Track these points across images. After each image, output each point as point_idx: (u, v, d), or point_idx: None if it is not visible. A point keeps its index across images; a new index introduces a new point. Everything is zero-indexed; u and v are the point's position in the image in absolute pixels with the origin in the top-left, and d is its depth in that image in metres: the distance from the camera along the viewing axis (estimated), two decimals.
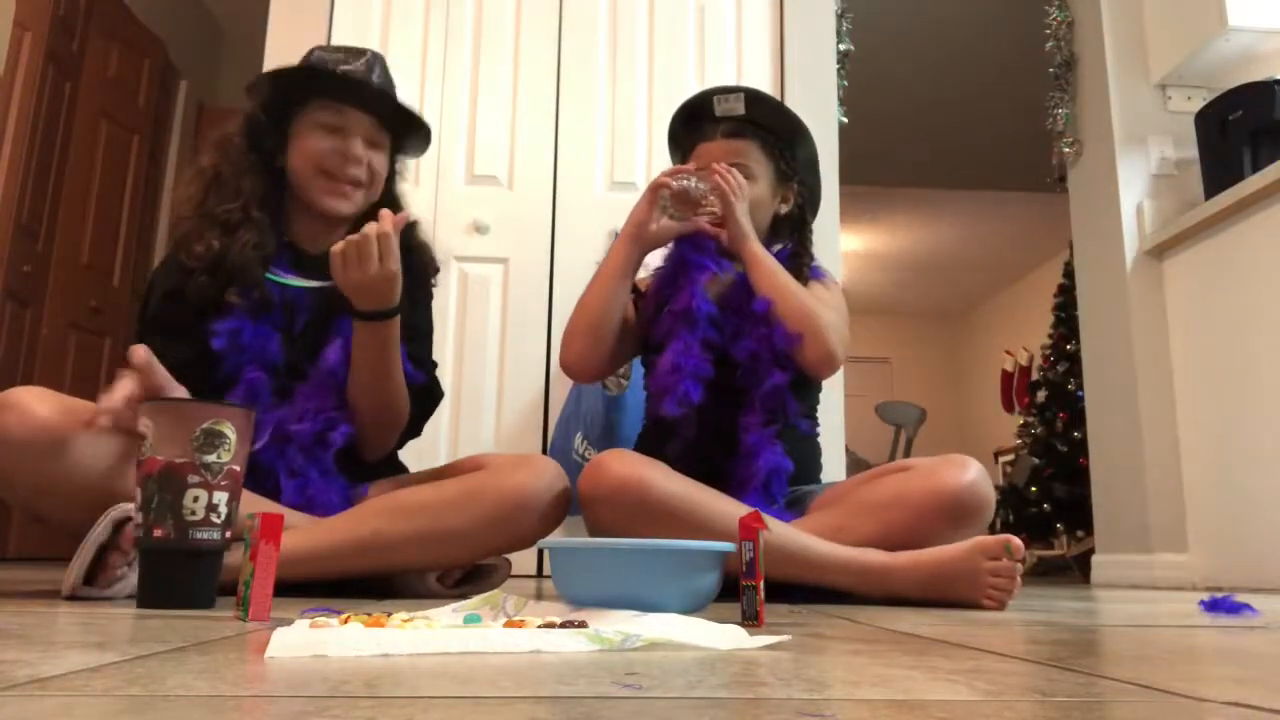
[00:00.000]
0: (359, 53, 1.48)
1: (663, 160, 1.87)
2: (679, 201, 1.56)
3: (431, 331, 1.62)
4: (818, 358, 1.51)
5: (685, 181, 1.55)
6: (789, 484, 1.54)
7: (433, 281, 1.61)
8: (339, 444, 1.38)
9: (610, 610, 0.83)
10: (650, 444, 1.62)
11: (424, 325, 1.58)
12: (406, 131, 1.53)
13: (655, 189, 1.56)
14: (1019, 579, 1.27)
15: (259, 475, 1.31)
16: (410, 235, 1.54)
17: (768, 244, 1.70)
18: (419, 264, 1.55)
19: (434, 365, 1.59)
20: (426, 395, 1.54)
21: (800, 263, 1.68)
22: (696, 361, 1.51)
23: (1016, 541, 1.28)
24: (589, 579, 0.95)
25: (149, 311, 1.43)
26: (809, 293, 1.58)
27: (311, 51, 1.50)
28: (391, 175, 1.56)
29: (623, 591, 0.91)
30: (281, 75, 1.45)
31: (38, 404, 1.15)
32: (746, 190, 1.59)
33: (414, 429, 1.54)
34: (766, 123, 1.66)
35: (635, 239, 1.58)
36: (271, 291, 1.40)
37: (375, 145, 1.48)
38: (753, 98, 1.65)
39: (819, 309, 1.53)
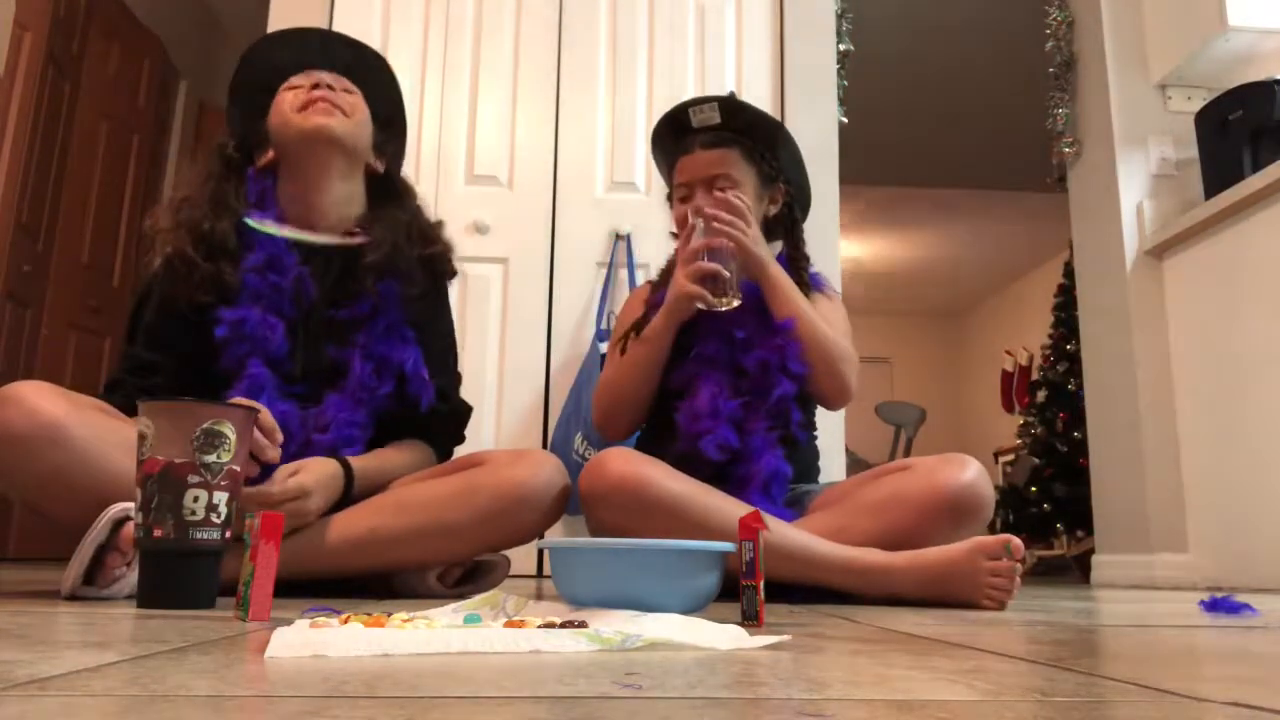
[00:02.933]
0: (298, 33, 1.54)
1: None
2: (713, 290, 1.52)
3: (452, 343, 1.60)
4: (833, 392, 1.56)
5: (712, 280, 1.50)
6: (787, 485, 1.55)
7: (448, 282, 1.59)
8: None
9: (610, 610, 0.83)
10: (650, 444, 1.62)
11: (442, 346, 1.56)
12: (366, 80, 1.53)
13: (690, 299, 1.51)
14: (1019, 579, 1.27)
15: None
16: (431, 231, 1.53)
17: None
18: (438, 272, 1.53)
19: (458, 380, 1.58)
20: (450, 420, 1.54)
21: (797, 265, 1.68)
22: (732, 406, 1.52)
23: (1016, 541, 1.28)
24: (589, 579, 0.95)
25: (144, 318, 1.41)
26: (825, 321, 1.60)
27: (251, 52, 1.54)
28: (395, 161, 1.55)
29: (623, 591, 0.91)
30: (239, 88, 1.52)
31: (39, 397, 1.15)
32: (749, 213, 1.56)
33: (447, 453, 1.55)
34: (744, 128, 1.66)
35: (680, 314, 1.54)
36: (249, 282, 1.36)
37: (345, 90, 1.47)
38: (728, 106, 1.64)
39: (837, 341, 1.54)
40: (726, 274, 1.51)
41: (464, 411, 1.58)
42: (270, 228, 1.41)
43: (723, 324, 1.57)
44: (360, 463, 1.34)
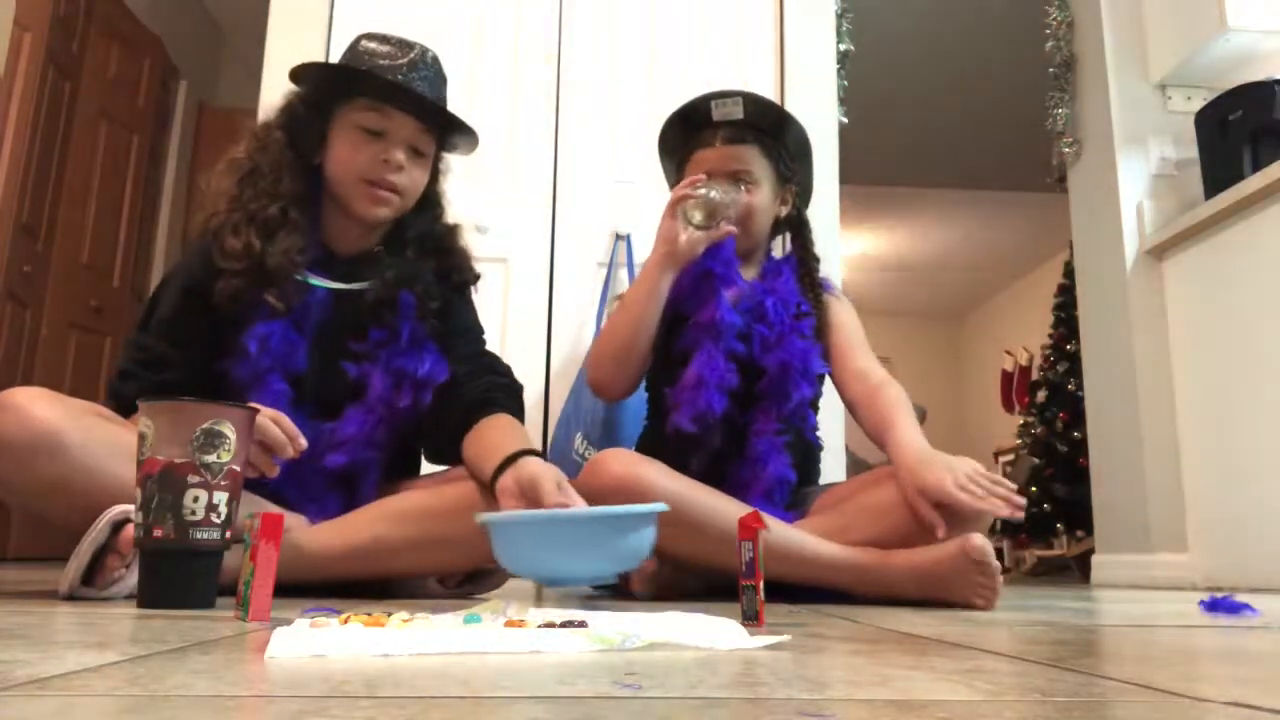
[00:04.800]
0: (409, 47, 1.41)
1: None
2: (705, 211, 1.52)
3: (483, 338, 1.56)
4: None
5: (705, 191, 1.51)
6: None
7: (473, 288, 1.56)
8: (370, 496, 1.37)
9: (610, 611, 0.84)
10: (651, 444, 1.61)
11: (476, 347, 1.52)
12: (453, 131, 1.48)
13: (677, 203, 1.52)
14: (999, 577, 1.26)
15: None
16: (446, 240, 1.50)
17: (768, 248, 1.70)
18: (457, 270, 1.50)
19: (505, 364, 1.53)
20: (515, 392, 1.49)
21: (808, 267, 1.66)
22: (720, 374, 1.49)
23: (975, 540, 1.26)
24: (526, 551, 0.98)
25: (160, 308, 1.37)
26: (842, 327, 1.60)
27: (358, 40, 1.43)
28: (435, 175, 1.50)
29: (555, 560, 0.92)
30: (328, 70, 1.39)
31: (36, 405, 1.14)
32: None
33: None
34: (764, 125, 1.63)
35: (670, 258, 1.53)
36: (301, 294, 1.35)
37: (418, 153, 1.42)
38: (750, 100, 1.61)
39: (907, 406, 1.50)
40: (716, 195, 1.49)
41: (519, 385, 1.52)
42: (322, 282, 1.37)
43: (743, 312, 1.55)
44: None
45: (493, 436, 1.33)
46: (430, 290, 1.44)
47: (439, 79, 1.44)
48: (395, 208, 1.42)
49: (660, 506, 1.00)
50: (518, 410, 1.46)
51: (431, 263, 1.47)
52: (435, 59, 1.44)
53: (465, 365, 1.44)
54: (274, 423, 1.12)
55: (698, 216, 1.52)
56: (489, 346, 1.57)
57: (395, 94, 1.37)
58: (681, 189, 1.53)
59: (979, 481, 1.29)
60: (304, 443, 1.16)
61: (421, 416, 1.42)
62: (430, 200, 1.50)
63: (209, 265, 1.33)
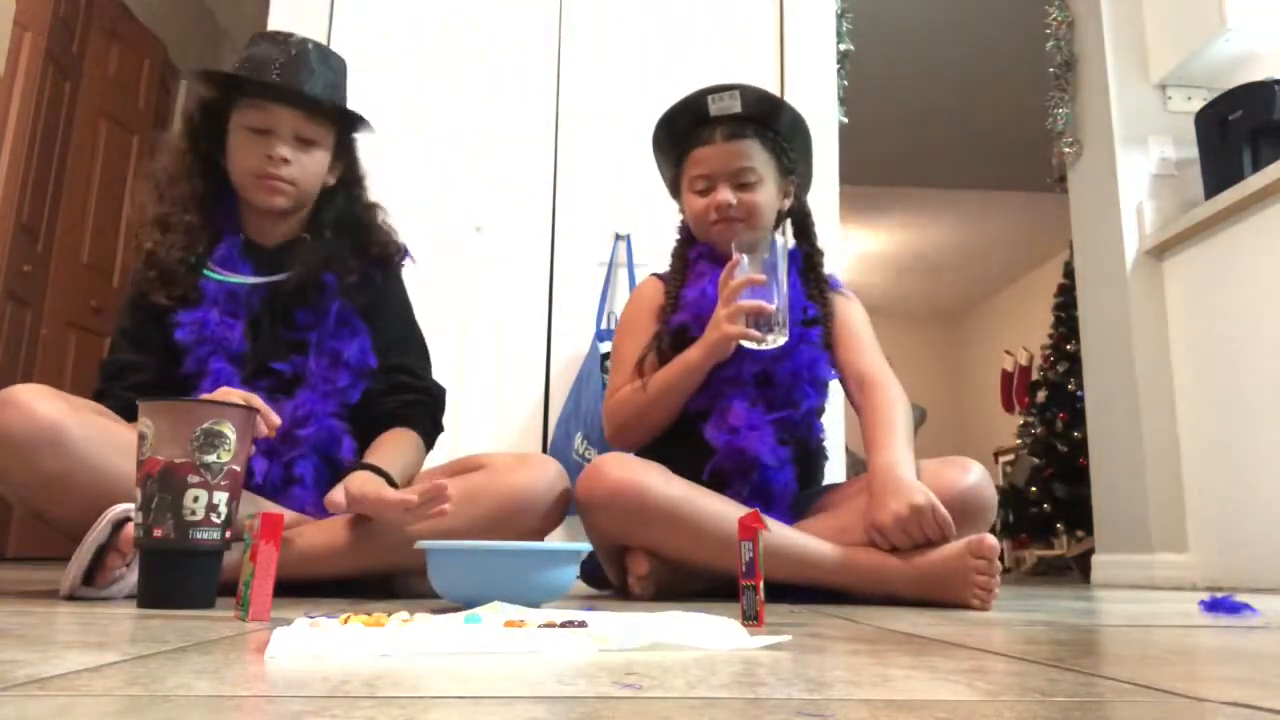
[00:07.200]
0: (288, 43, 1.44)
1: None
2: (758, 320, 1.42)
3: (411, 328, 1.58)
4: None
5: (757, 317, 1.41)
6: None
7: (403, 262, 1.58)
8: (348, 460, 1.39)
9: (611, 611, 0.84)
10: (655, 440, 1.60)
11: (400, 333, 1.55)
12: (345, 115, 1.49)
13: (732, 340, 1.43)
14: (997, 578, 1.25)
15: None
16: (364, 217, 1.53)
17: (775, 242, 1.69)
18: (376, 244, 1.52)
19: (426, 361, 1.57)
20: (428, 406, 1.52)
21: (814, 262, 1.65)
22: (764, 419, 1.49)
23: (989, 540, 1.26)
24: (456, 576, 1.03)
25: (123, 324, 1.44)
26: (848, 322, 1.59)
27: (250, 41, 1.47)
28: (351, 158, 1.54)
29: (484, 587, 0.97)
30: (212, 77, 1.46)
31: (39, 401, 1.15)
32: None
33: (432, 441, 1.53)
34: (764, 118, 1.58)
35: (723, 351, 1.46)
36: (206, 288, 1.40)
37: (306, 141, 1.44)
38: (749, 94, 1.56)
39: (905, 420, 1.48)
40: (772, 308, 1.40)
41: (438, 395, 1.55)
42: (230, 277, 1.42)
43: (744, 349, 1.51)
44: (391, 470, 1.32)
45: (375, 450, 1.39)
46: (348, 264, 1.47)
47: (320, 65, 1.45)
48: (292, 195, 1.45)
49: (585, 548, 1.08)
50: (429, 425, 1.51)
51: (349, 240, 1.50)
52: (314, 48, 1.46)
53: (382, 381, 1.47)
54: (245, 402, 1.14)
55: (762, 340, 1.43)
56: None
57: (270, 91, 1.41)
58: (731, 331, 1.42)
59: (921, 525, 1.30)
60: (276, 419, 1.18)
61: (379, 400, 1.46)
62: (347, 182, 1.54)
63: (139, 275, 1.42)
